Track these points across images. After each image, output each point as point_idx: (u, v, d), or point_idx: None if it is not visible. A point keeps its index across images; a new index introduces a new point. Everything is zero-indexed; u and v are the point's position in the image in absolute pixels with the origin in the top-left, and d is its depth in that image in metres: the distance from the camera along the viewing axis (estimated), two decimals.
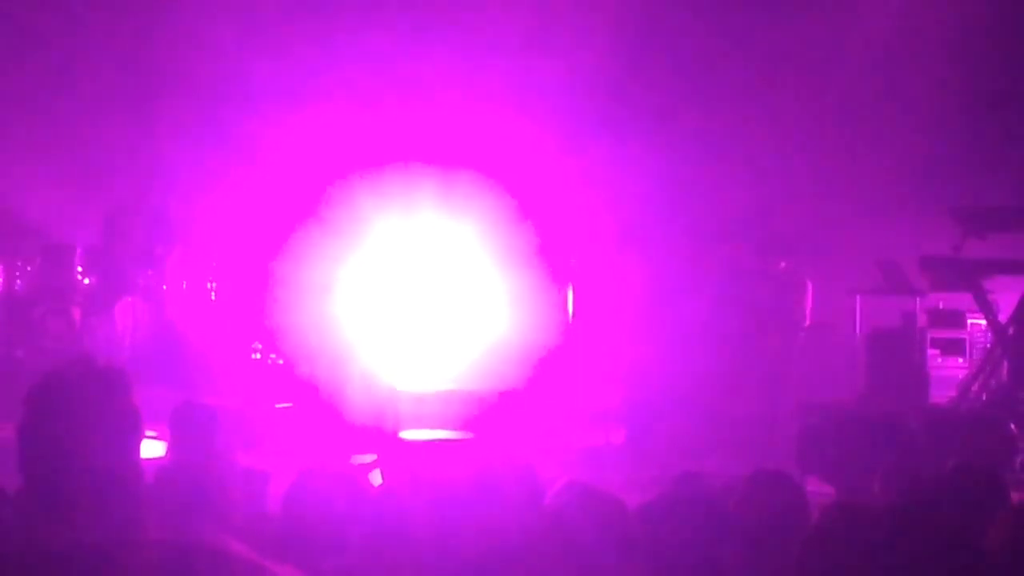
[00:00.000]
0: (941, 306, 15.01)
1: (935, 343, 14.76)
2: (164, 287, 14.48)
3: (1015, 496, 5.76)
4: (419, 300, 15.15)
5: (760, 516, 4.88)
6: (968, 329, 14.95)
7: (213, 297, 14.79)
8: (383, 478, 10.92)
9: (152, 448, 6.97)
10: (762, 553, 4.65)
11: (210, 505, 5.58)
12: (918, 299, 14.38)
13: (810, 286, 14.52)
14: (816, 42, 15.96)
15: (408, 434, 13.13)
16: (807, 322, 14.55)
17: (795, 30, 15.99)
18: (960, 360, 14.87)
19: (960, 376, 14.15)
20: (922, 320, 14.57)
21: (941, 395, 13.80)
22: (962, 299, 14.23)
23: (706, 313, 14.09)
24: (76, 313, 14.24)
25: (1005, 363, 13.31)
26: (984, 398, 13.13)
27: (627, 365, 14.21)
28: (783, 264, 14.49)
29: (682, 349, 13.92)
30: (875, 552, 3.05)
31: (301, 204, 14.62)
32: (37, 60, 15.81)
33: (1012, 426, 11.15)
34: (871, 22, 16.02)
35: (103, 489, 3.63)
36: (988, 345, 13.93)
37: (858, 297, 14.72)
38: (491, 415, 13.60)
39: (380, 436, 12.54)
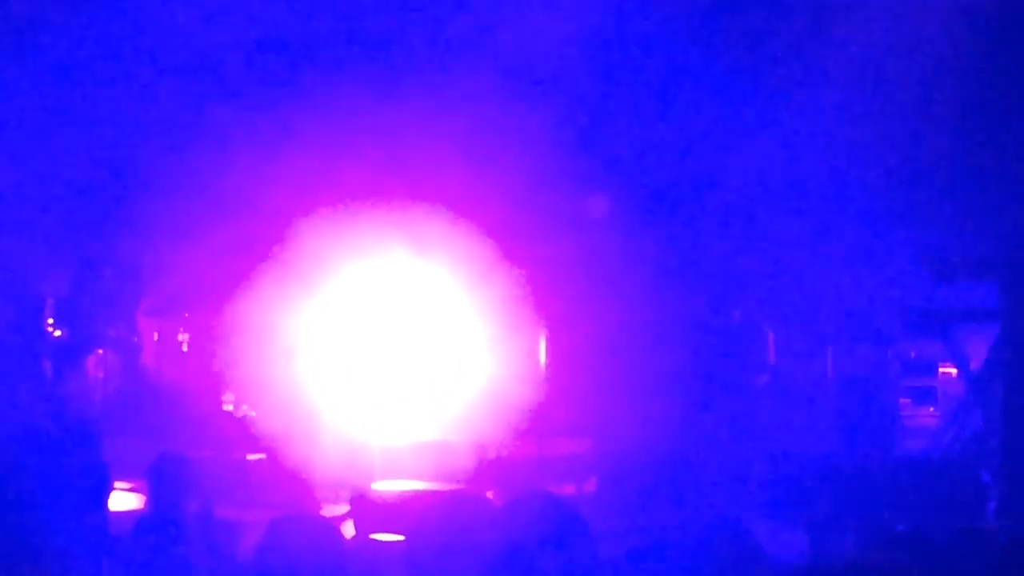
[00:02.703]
0: (913, 355, 15.05)
1: (907, 391, 14.78)
2: (135, 339, 14.44)
3: (992, 543, 5.76)
4: (390, 351, 15.10)
5: (714, 562, 4.87)
6: (939, 378, 15.00)
7: (185, 348, 14.75)
8: (355, 529, 10.89)
9: (129, 500, 6.94)
10: None
11: (187, 554, 5.57)
12: (889, 348, 14.40)
13: (770, 335, 14.52)
14: (779, 92, 16.00)
15: (380, 485, 13.07)
16: (768, 371, 14.53)
17: (753, 84, 16.03)
18: (931, 409, 14.91)
19: (931, 424, 14.19)
20: (894, 368, 14.59)
21: (913, 444, 13.82)
22: (933, 348, 14.28)
23: (668, 364, 14.08)
24: (47, 365, 14.17)
25: (977, 412, 13.34)
26: (957, 447, 13.16)
27: (597, 414, 14.18)
28: (737, 314, 14.48)
29: (649, 399, 13.90)
30: None
31: (272, 255, 14.58)
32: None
33: (984, 475, 11.22)
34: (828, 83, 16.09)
35: (71, 542, 3.61)
36: (960, 394, 13.97)
37: (829, 345, 14.72)
38: (463, 466, 13.54)
39: (352, 487, 12.47)
